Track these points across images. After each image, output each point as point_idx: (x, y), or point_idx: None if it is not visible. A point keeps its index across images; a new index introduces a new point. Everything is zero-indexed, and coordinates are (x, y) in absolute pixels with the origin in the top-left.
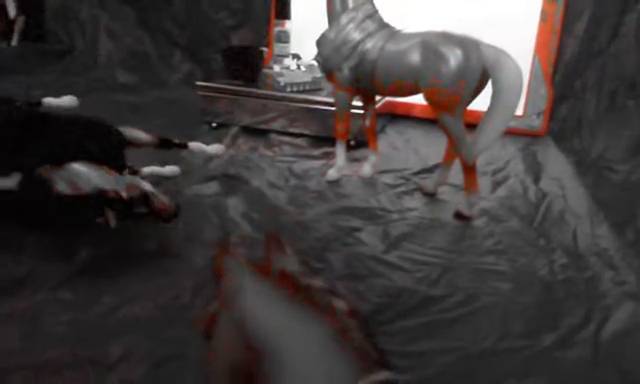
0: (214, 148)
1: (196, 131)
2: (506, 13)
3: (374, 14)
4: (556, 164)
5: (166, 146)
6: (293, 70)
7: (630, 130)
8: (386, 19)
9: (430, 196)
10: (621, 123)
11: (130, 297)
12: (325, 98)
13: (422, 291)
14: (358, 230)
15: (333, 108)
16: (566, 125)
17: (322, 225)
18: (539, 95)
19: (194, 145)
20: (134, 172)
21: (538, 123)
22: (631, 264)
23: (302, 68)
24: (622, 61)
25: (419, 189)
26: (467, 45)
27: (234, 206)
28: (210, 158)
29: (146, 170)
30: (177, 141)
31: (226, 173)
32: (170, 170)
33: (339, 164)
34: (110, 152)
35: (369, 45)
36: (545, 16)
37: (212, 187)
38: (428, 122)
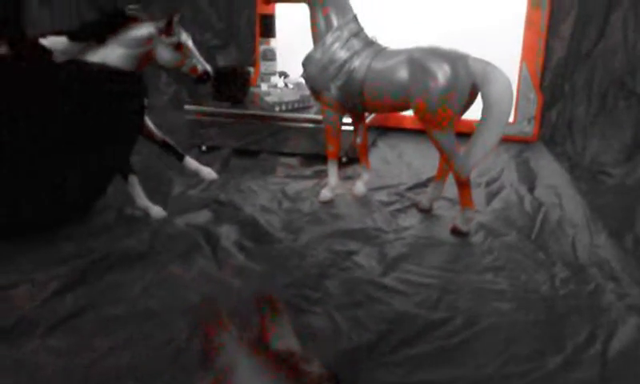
0: (208, 172)
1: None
2: (492, 22)
3: (359, 33)
4: (550, 171)
5: (167, 149)
6: (280, 88)
7: (622, 132)
8: (372, 33)
9: (426, 212)
10: (612, 125)
11: (121, 341)
12: (314, 115)
13: (422, 316)
14: (354, 253)
15: (322, 125)
16: (558, 129)
17: (318, 250)
18: (529, 100)
19: (189, 161)
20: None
21: (529, 129)
22: (632, 274)
23: (290, 86)
24: (610, 61)
25: (414, 205)
26: (455, 60)
27: (227, 234)
28: (202, 180)
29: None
30: (177, 149)
31: (217, 199)
32: (208, 172)
33: (332, 183)
34: None
35: (356, 63)
36: (530, 22)
37: (204, 215)
38: (419, 133)
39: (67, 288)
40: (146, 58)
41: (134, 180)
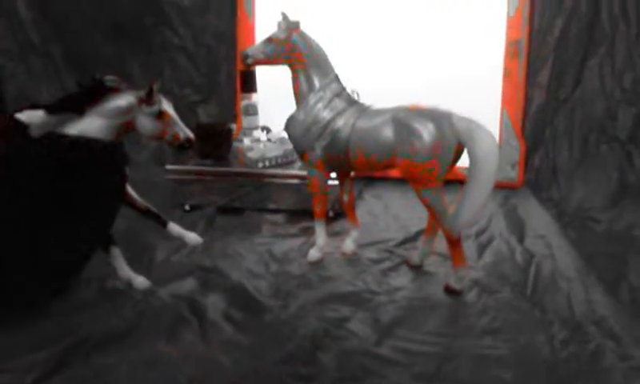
0: (192, 237)
1: (169, 215)
2: (471, 71)
3: (341, 92)
4: (538, 218)
5: (150, 216)
6: (263, 143)
7: (607, 177)
8: (353, 85)
9: (417, 269)
10: (596, 170)
11: None
12: (298, 171)
13: None
14: (347, 319)
15: (306, 181)
16: (542, 174)
17: (309, 319)
18: (511, 147)
19: (173, 227)
20: None
21: (514, 175)
22: (632, 333)
23: (273, 141)
24: (589, 107)
25: (404, 262)
26: (440, 119)
27: (214, 304)
28: (185, 245)
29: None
30: (161, 215)
31: (202, 265)
32: (193, 236)
33: (320, 244)
34: None
35: (340, 123)
36: (507, 71)
37: (189, 283)
38: (404, 182)
39: (48, 376)
40: (126, 128)
41: (116, 252)
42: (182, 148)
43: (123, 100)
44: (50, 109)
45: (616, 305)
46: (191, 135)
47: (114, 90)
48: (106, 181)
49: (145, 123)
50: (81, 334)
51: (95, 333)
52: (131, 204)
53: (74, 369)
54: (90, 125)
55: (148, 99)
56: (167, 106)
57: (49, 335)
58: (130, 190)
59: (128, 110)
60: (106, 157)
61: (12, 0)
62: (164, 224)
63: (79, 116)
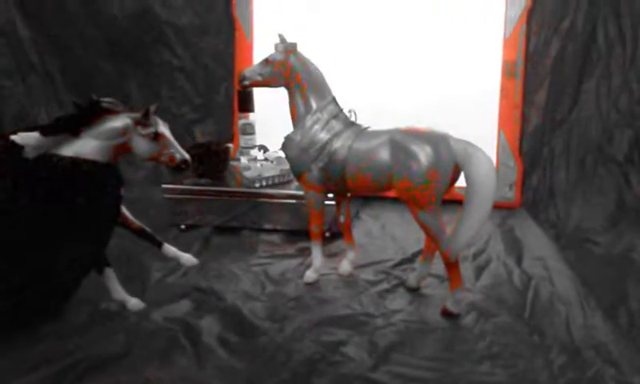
0: (187, 258)
1: (165, 235)
2: (468, 91)
3: (338, 114)
4: (535, 239)
5: (144, 237)
6: (260, 162)
7: (604, 198)
8: (350, 106)
9: (414, 291)
10: (593, 191)
11: None
12: (295, 191)
13: None
14: (343, 343)
15: (303, 201)
16: (539, 195)
17: (305, 342)
18: (509, 168)
19: (168, 248)
20: None
21: (511, 195)
22: (631, 359)
23: (270, 160)
24: (586, 128)
25: (401, 284)
26: (437, 141)
27: (208, 328)
28: (180, 265)
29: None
30: (155, 237)
31: (198, 286)
32: (188, 258)
33: (317, 265)
34: None
35: (337, 144)
36: (505, 92)
37: (183, 305)
38: (403, 203)
39: None
40: (121, 150)
41: (109, 273)
42: (178, 169)
43: (119, 122)
44: (45, 130)
45: (615, 330)
46: (187, 157)
47: (110, 112)
48: (101, 203)
49: (141, 145)
50: (72, 359)
51: (87, 357)
52: (125, 224)
53: None
54: (86, 146)
55: (144, 121)
56: (163, 128)
57: (41, 357)
58: (124, 210)
59: (124, 131)
60: (101, 178)
61: (11, 19)
62: (159, 245)
63: (75, 137)
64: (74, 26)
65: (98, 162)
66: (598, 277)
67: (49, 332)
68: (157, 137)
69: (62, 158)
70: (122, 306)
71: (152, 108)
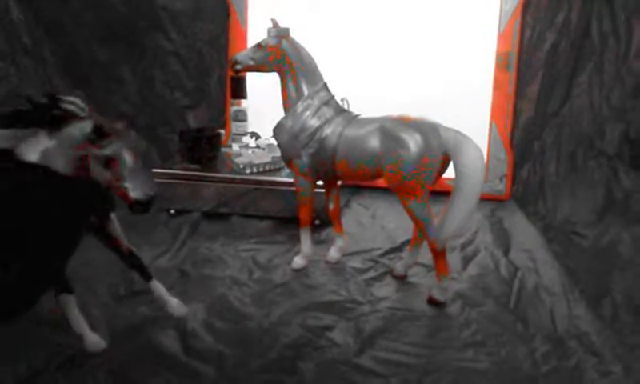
0: (175, 307)
1: (154, 219)
2: (461, 83)
3: (329, 101)
4: (523, 231)
5: (132, 263)
6: (252, 149)
7: (593, 192)
8: (342, 95)
9: (401, 279)
10: (583, 184)
11: None
12: (286, 178)
13: None
14: (329, 328)
15: (294, 188)
16: (529, 187)
17: (291, 327)
18: (500, 160)
19: (156, 285)
20: None
21: (501, 187)
22: (613, 350)
23: (261, 147)
24: (578, 121)
25: (389, 272)
26: (426, 129)
27: (194, 313)
28: (170, 247)
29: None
30: (145, 267)
31: (185, 271)
32: (177, 304)
33: (305, 252)
34: None
35: (327, 131)
36: (498, 84)
37: (170, 291)
38: (393, 192)
39: None
40: (83, 166)
41: (67, 299)
42: (133, 210)
43: (78, 131)
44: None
45: (598, 321)
46: (143, 197)
47: (72, 116)
48: (57, 217)
49: (94, 166)
50: (54, 350)
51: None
52: (113, 244)
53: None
54: (47, 152)
55: (93, 139)
56: (121, 152)
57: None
58: (115, 228)
59: (83, 144)
60: (61, 191)
61: (3, 1)
62: (148, 278)
63: (34, 137)
64: (68, 9)
65: (59, 172)
66: (584, 269)
67: (26, 325)
68: (109, 162)
69: (21, 163)
70: (80, 339)
71: (107, 125)
